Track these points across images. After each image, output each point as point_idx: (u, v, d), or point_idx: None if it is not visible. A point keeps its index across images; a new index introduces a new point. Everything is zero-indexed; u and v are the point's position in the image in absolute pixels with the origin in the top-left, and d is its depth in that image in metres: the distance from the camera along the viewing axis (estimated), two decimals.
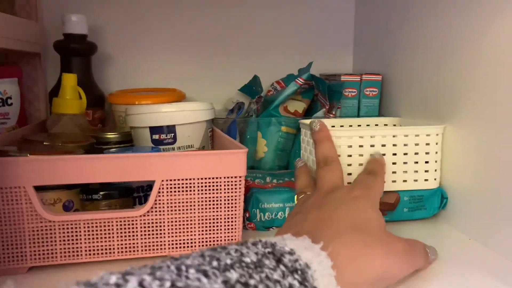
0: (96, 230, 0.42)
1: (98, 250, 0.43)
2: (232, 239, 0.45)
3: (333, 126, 0.65)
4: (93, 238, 0.42)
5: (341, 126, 0.67)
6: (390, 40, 0.71)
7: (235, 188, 0.45)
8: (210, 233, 0.45)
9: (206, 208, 0.44)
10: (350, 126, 0.67)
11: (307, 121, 0.63)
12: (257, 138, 0.68)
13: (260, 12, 0.84)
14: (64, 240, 0.42)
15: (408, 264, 0.36)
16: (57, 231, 0.41)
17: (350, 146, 0.54)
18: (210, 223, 0.45)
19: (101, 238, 0.42)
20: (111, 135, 0.60)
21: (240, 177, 0.44)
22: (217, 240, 0.45)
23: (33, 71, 0.73)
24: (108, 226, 0.42)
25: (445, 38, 0.56)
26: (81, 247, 0.42)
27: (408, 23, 0.65)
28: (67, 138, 0.55)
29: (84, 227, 0.42)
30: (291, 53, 0.86)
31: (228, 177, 0.44)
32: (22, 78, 0.69)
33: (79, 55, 0.71)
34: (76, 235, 0.42)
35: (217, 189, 0.44)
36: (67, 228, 0.42)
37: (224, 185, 0.44)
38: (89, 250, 0.42)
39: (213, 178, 0.44)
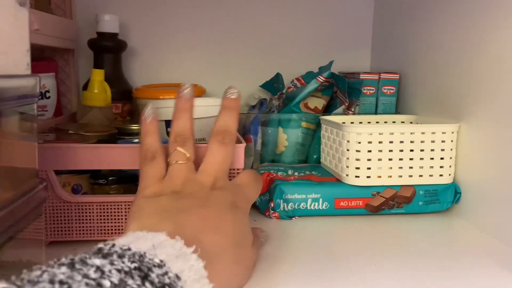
0: (107, 212, 0.46)
1: (108, 229, 0.47)
2: None
3: (352, 123, 0.68)
4: (104, 219, 0.47)
5: (360, 122, 0.70)
6: (408, 40, 0.73)
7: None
8: None
9: None
10: (369, 122, 0.70)
11: (328, 118, 0.66)
12: (278, 133, 0.71)
13: (281, 10, 0.87)
14: (79, 219, 0.46)
15: (250, 274, 0.38)
16: (73, 211, 0.46)
17: (370, 142, 0.57)
18: None
19: (111, 218, 0.47)
20: (133, 127, 0.65)
21: (238, 169, 0.47)
22: None
23: (66, 66, 0.77)
24: (118, 208, 0.47)
25: (462, 39, 0.58)
26: (93, 226, 0.47)
27: (426, 23, 0.67)
28: (91, 128, 0.59)
29: (97, 209, 0.46)
30: (310, 51, 0.89)
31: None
32: (58, 72, 0.73)
33: (110, 52, 0.75)
34: (90, 215, 0.46)
35: None
36: (82, 209, 0.46)
37: None
38: (101, 229, 0.47)
39: None
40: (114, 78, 0.74)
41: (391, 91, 0.73)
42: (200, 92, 0.74)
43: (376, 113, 0.74)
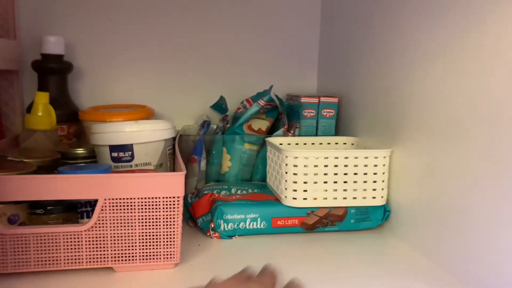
0: (44, 243, 0.46)
1: (46, 261, 0.46)
2: (171, 255, 0.49)
3: (297, 144, 0.71)
4: (41, 250, 0.46)
5: (304, 143, 0.73)
6: (349, 66, 0.77)
7: (174, 208, 0.48)
8: (150, 248, 0.48)
9: (146, 225, 0.48)
10: (313, 144, 0.73)
11: (272, 140, 0.68)
12: (223, 153, 0.73)
13: (236, 34, 0.89)
14: (14, 251, 0.45)
15: None
16: (8, 243, 0.45)
17: (306, 166, 0.59)
18: (150, 239, 0.48)
19: (49, 250, 0.46)
20: (78, 151, 0.65)
21: (178, 197, 0.48)
22: (157, 255, 0.49)
23: (10, 87, 0.76)
24: (55, 239, 0.46)
25: (393, 71, 0.63)
26: (30, 258, 0.46)
27: (366, 51, 0.72)
28: (32, 153, 0.59)
29: (33, 240, 0.46)
30: (262, 73, 0.91)
31: (166, 197, 0.47)
32: (0, 94, 0.72)
33: (55, 73, 0.74)
34: (26, 247, 0.46)
35: (156, 208, 0.47)
36: (18, 241, 0.45)
37: (163, 205, 0.48)
38: (38, 261, 0.46)
39: (152, 198, 0.47)
40: (59, 99, 0.74)
41: (330, 114, 0.76)
42: (148, 114, 0.75)
43: (316, 134, 0.77)
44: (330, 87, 0.87)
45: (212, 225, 0.58)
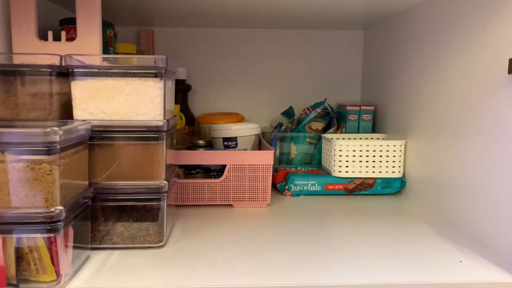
0: (197, 188, 0.82)
1: (197, 198, 0.82)
2: (265, 198, 0.83)
3: (344, 139, 1.03)
4: (195, 192, 0.82)
5: (349, 138, 1.04)
6: (382, 85, 1.09)
7: (267, 170, 0.82)
8: (253, 194, 0.83)
9: (251, 180, 0.82)
10: (354, 138, 1.05)
11: (326, 135, 1.01)
12: (291, 145, 1.07)
13: (301, 63, 1.24)
14: (181, 193, 0.82)
15: None
16: (179, 188, 0.81)
17: (347, 151, 0.92)
18: (254, 188, 0.83)
19: (199, 192, 0.82)
20: (200, 142, 1.01)
21: (269, 164, 0.82)
22: (257, 198, 0.83)
23: None
24: (202, 186, 0.82)
25: (408, 91, 0.94)
26: (189, 196, 0.82)
27: (392, 77, 1.03)
28: (176, 142, 0.96)
29: (191, 186, 0.82)
30: (320, 90, 1.25)
31: (262, 164, 0.82)
32: None
33: (181, 92, 1.12)
34: (187, 190, 0.82)
35: (257, 170, 0.82)
36: (183, 187, 0.82)
37: (261, 168, 0.82)
38: (193, 198, 0.82)
39: (255, 164, 0.82)
40: (183, 109, 1.11)
41: (368, 118, 1.08)
42: (242, 118, 1.11)
43: (358, 133, 1.09)
44: (369, 99, 1.19)
45: (287, 187, 0.92)
